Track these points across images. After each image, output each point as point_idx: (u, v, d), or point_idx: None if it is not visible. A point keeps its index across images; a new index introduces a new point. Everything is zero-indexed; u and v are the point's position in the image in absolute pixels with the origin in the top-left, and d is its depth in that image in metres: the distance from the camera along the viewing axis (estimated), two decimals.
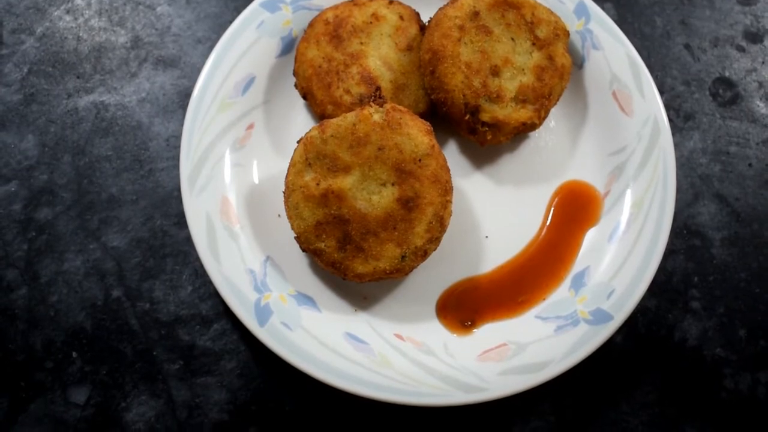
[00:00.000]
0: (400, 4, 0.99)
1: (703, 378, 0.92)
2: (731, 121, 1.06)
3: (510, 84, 0.91)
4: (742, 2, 1.15)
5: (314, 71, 0.95)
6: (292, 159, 0.86)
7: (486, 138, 0.92)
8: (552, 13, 0.95)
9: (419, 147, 0.83)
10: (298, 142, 0.86)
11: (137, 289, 0.94)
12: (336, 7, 0.99)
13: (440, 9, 0.94)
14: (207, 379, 0.90)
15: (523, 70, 0.91)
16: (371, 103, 0.85)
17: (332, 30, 0.97)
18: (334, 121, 0.85)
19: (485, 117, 0.90)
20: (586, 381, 0.90)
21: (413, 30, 0.97)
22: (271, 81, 1.00)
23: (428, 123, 0.86)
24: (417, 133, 0.84)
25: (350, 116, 0.84)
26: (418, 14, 1.00)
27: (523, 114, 0.92)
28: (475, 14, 0.91)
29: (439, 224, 0.84)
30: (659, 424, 0.89)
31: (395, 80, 0.95)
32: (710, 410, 0.90)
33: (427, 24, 0.96)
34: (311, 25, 0.99)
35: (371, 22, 0.97)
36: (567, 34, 0.96)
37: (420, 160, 0.83)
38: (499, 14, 0.92)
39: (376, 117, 0.84)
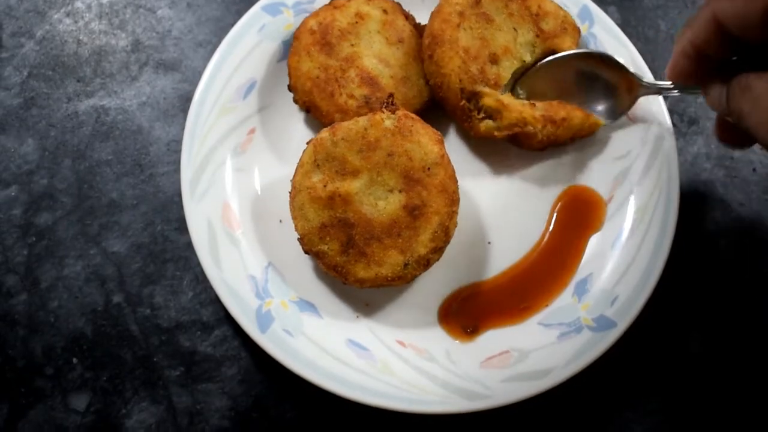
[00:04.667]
0: None
1: (706, 385, 0.91)
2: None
3: (508, 73, 0.91)
4: None
5: (313, 83, 0.94)
6: (300, 159, 0.85)
7: (479, 128, 0.91)
8: (561, 8, 0.94)
9: (429, 155, 0.83)
10: (307, 143, 0.86)
11: (138, 295, 0.93)
12: (316, 13, 0.97)
13: None
14: (208, 386, 0.89)
15: (523, 60, 0.91)
16: (383, 109, 0.85)
17: (320, 38, 0.95)
18: (345, 124, 0.85)
19: (488, 101, 0.89)
20: (589, 388, 0.90)
21: (400, 21, 0.97)
22: (272, 85, 0.99)
23: (439, 132, 0.86)
24: (427, 142, 0.84)
25: (362, 120, 0.84)
26: (399, 5, 0.99)
27: (528, 111, 0.90)
28: (476, 2, 0.91)
29: (444, 234, 0.84)
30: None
31: (395, 74, 0.94)
32: (714, 418, 0.90)
33: (416, 17, 0.96)
34: (296, 37, 0.96)
35: (357, 22, 0.95)
36: (578, 31, 0.95)
37: (429, 168, 0.83)
38: (502, 4, 0.92)
39: (388, 123, 0.84)
